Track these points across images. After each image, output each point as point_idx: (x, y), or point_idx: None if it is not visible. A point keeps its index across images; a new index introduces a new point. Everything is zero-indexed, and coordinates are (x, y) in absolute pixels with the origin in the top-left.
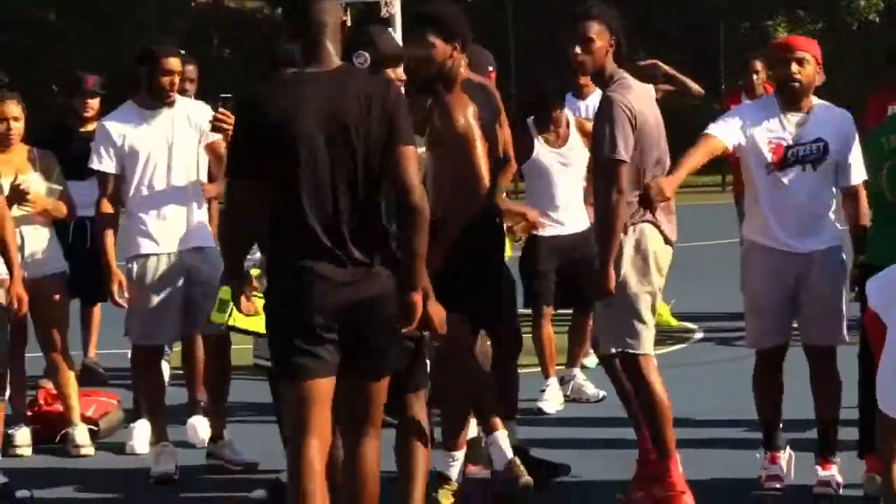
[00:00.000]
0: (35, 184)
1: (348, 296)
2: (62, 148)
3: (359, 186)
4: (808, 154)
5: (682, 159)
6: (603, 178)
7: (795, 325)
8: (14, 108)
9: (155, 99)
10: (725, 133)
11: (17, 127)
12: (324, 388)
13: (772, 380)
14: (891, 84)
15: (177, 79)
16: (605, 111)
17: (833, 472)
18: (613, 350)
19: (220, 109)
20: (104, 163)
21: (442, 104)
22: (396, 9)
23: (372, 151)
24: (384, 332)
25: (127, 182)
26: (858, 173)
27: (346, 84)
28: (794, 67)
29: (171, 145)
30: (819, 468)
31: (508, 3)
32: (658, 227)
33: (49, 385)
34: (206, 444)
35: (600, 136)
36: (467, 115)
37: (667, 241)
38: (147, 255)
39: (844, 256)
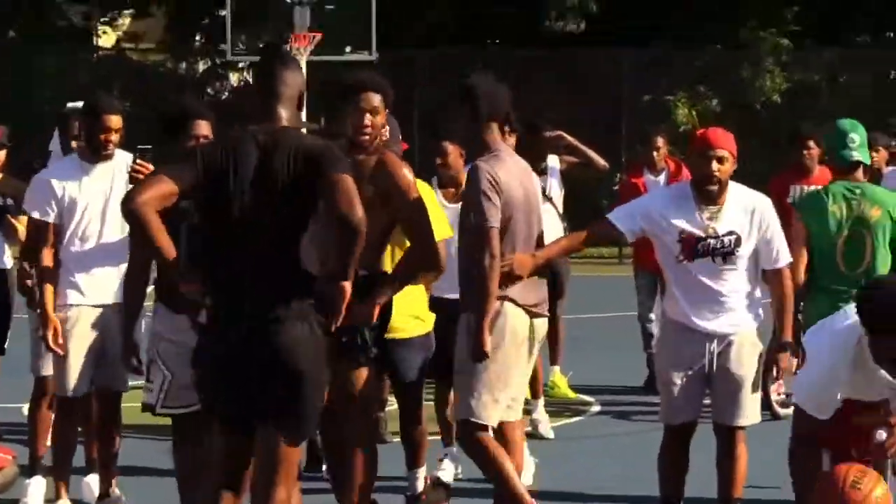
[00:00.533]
0: None
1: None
2: None
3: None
4: (718, 248)
5: (561, 240)
6: (474, 245)
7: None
8: None
9: (94, 153)
10: (626, 224)
11: None
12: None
13: (679, 456)
14: (792, 164)
15: (114, 136)
16: (474, 180)
17: None
18: (460, 417)
19: (138, 161)
20: (48, 213)
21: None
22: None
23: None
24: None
25: (62, 233)
26: (783, 256)
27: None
28: (714, 166)
29: (108, 199)
30: None
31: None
32: (515, 302)
33: None
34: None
35: (470, 205)
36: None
37: (531, 312)
38: (74, 306)
39: (757, 339)
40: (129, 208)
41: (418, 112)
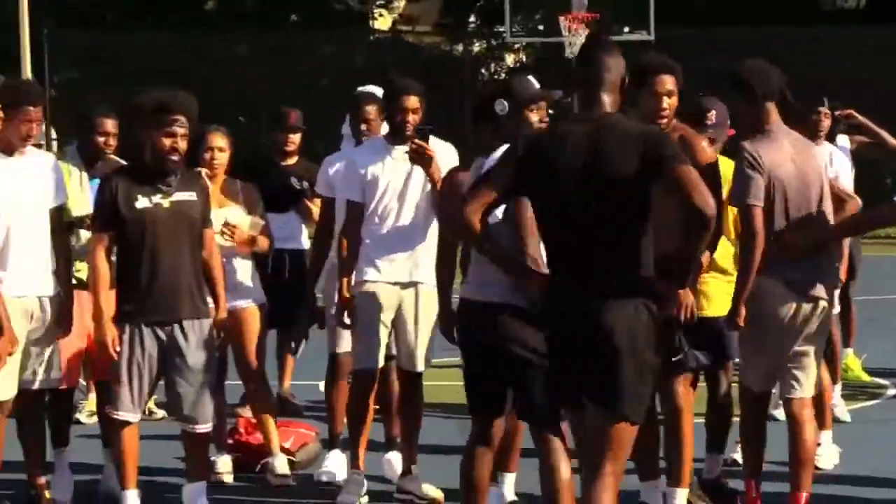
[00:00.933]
0: (238, 217)
1: None
2: (262, 181)
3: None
4: None
5: (841, 223)
6: (740, 221)
7: None
8: (220, 139)
9: (395, 135)
10: None
11: (222, 157)
12: None
13: None
14: None
15: (411, 117)
16: (737, 160)
17: None
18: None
19: (417, 140)
20: (355, 193)
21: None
22: (578, 49)
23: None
24: None
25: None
26: None
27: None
28: None
29: (408, 179)
30: None
31: None
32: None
33: (248, 414)
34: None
35: (734, 183)
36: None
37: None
38: (370, 282)
39: None
40: (459, 222)
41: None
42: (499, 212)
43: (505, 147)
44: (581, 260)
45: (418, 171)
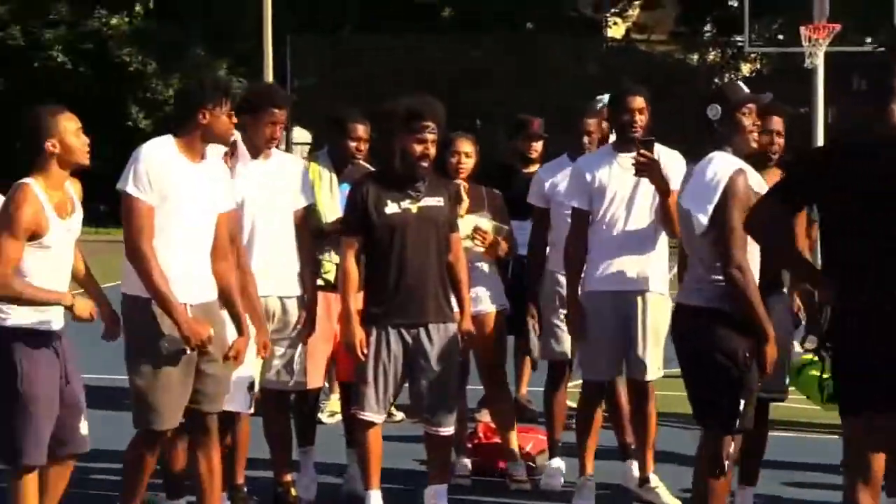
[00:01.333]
0: (485, 222)
1: None
2: (504, 187)
3: None
4: None
5: None
6: None
7: None
8: (467, 145)
9: (622, 142)
10: None
11: (468, 163)
12: None
13: None
14: None
15: (639, 118)
16: None
17: None
18: None
19: (642, 151)
20: (582, 201)
21: None
22: (819, 60)
23: None
24: None
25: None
26: None
27: None
28: None
29: (636, 186)
30: None
31: None
32: None
33: (487, 418)
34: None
35: None
36: None
37: None
38: (596, 293)
39: None
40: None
41: None
42: (703, 219)
43: (719, 153)
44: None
45: (646, 179)
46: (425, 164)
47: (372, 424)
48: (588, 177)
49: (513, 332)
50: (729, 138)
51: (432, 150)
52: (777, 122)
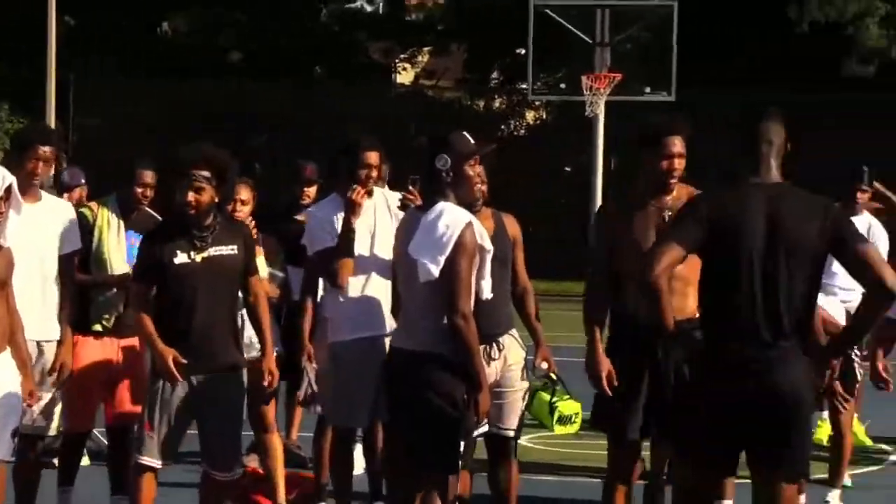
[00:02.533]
0: (260, 268)
1: None
2: (282, 234)
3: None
4: None
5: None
6: None
7: None
8: (244, 192)
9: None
10: None
11: (244, 210)
12: None
13: None
14: None
15: (370, 172)
16: None
17: None
18: None
19: (410, 188)
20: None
21: None
22: (600, 109)
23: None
24: None
25: None
26: None
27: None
28: None
29: (374, 234)
30: None
31: None
32: None
33: (254, 463)
34: None
35: None
36: None
37: None
38: (354, 340)
39: None
40: (649, 280)
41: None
42: (434, 270)
43: (446, 203)
44: (755, 316)
45: (382, 222)
46: (191, 212)
47: (151, 469)
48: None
49: (284, 377)
50: (455, 187)
51: (203, 198)
52: (678, 144)
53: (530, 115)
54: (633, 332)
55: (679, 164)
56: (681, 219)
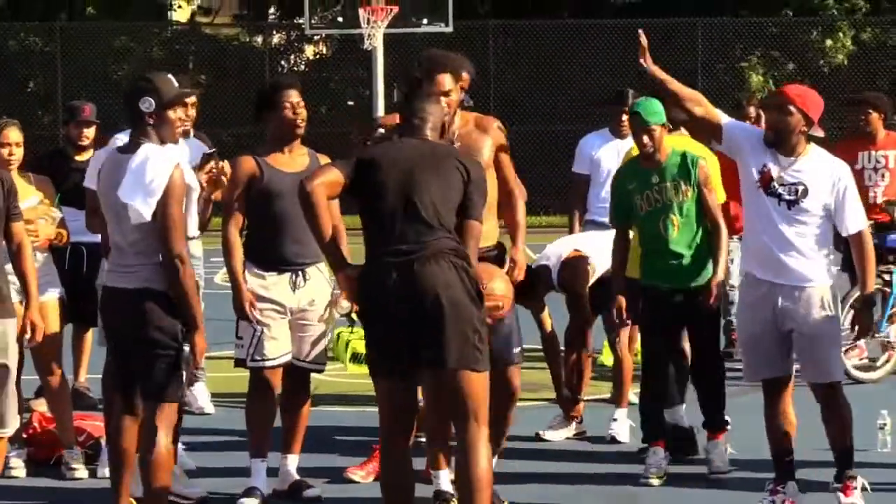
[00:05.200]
0: (35, 208)
1: None
2: (59, 176)
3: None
4: (784, 192)
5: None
6: None
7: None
8: (15, 134)
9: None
10: (728, 118)
11: (18, 153)
12: None
13: (774, 413)
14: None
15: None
16: None
17: (855, 498)
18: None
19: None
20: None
21: None
22: (378, 41)
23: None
24: None
25: None
26: (854, 222)
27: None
28: (775, 115)
29: None
30: (841, 495)
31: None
32: None
33: (43, 407)
34: None
35: None
36: None
37: None
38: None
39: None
40: (306, 190)
41: (494, 85)
42: (147, 213)
43: (151, 145)
44: (405, 239)
45: None
46: None
47: None
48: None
49: (71, 319)
50: (159, 130)
51: None
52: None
53: (310, 50)
54: None
55: (448, 101)
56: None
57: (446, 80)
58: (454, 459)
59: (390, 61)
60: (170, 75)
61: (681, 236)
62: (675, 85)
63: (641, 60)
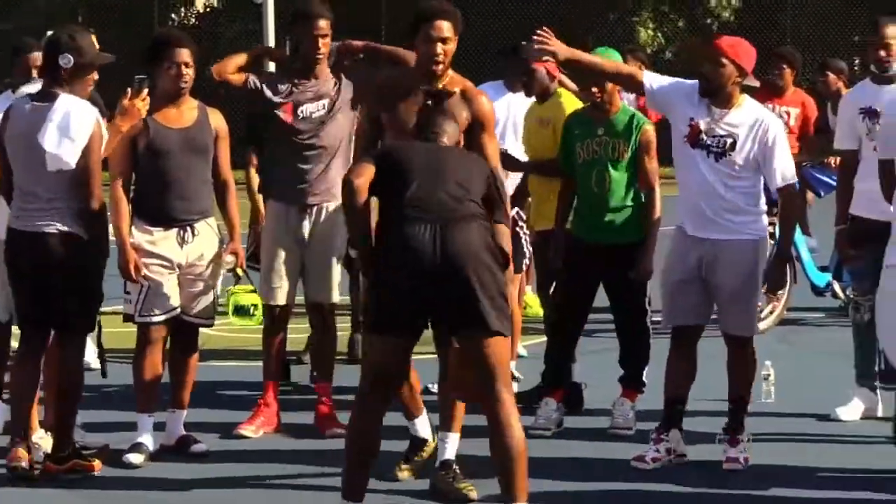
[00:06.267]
0: None
1: None
2: None
3: None
4: (713, 145)
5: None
6: None
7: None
8: None
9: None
10: (651, 76)
11: None
12: None
13: (679, 360)
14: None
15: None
16: None
17: (742, 450)
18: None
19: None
20: None
21: None
22: None
23: None
24: None
25: None
26: (783, 175)
27: None
28: (708, 67)
29: None
30: (728, 446)
31: None
32: None
33: None
34: None
35: None
36: None
37: None
38: None
39: (753, 251)
40: (353, 188)
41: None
42: (72, 161)
43: (69, 97)
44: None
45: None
46: None
47: None
48: None
49: None
50: (71, 85)
51: None
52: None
53: (200, 4)
54: None
55: (445, 49)
56: None
57: (445, 27)
58: (490, 429)
59: (281, 14)
60: (93, 36)
61: (612, 193)
62: (587, 59)
63: (546, 57)
